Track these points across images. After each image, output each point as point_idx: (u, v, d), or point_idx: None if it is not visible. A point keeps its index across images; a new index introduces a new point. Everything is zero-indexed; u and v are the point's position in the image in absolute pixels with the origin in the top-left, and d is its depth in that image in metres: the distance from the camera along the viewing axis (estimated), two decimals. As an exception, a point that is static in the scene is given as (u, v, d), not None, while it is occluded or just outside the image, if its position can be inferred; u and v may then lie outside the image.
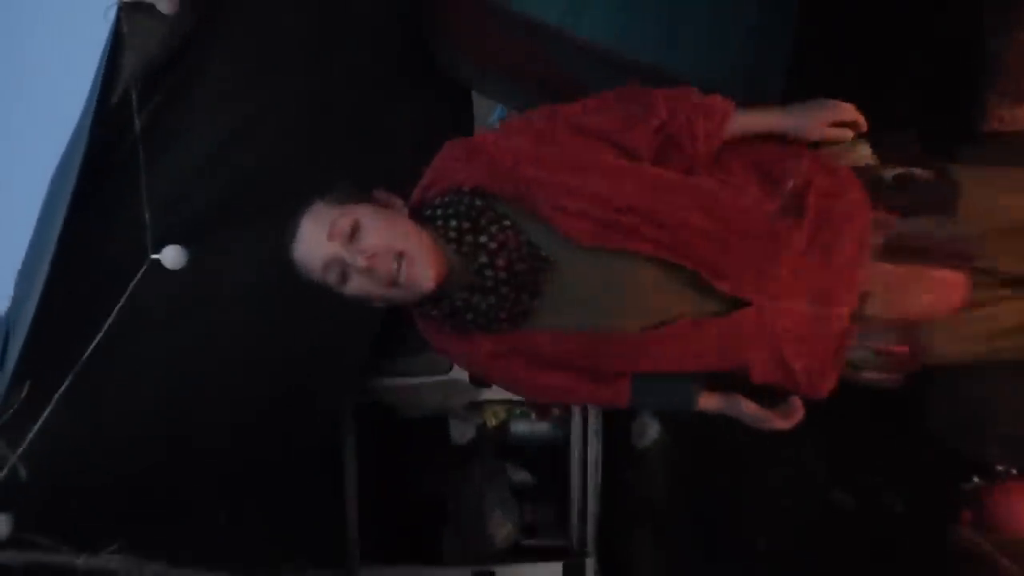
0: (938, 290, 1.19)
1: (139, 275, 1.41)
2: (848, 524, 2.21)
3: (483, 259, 1.12)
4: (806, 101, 1.23)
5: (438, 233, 1.14)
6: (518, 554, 3.08)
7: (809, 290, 1.14)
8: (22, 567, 1.32)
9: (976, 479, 1.77)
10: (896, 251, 1.17)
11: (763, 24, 2.12)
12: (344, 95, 2.03)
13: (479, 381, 3.03)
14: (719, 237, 1.12)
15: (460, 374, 2.99)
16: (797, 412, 1.26)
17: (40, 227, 1.54)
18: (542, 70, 2.09)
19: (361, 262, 1.08)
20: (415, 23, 2.21)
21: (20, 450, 1.32)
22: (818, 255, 1.14)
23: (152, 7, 1.49)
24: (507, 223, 1.13)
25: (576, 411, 3.06)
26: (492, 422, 3.19)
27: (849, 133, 1.21)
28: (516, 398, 3.10)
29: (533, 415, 3.19)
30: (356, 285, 1.12)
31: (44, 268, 1.39)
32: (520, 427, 3.21)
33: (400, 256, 1.09)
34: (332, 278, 1.13)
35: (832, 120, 1.20)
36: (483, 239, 1.12)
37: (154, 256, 1.42)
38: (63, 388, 1.33)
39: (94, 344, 1.37)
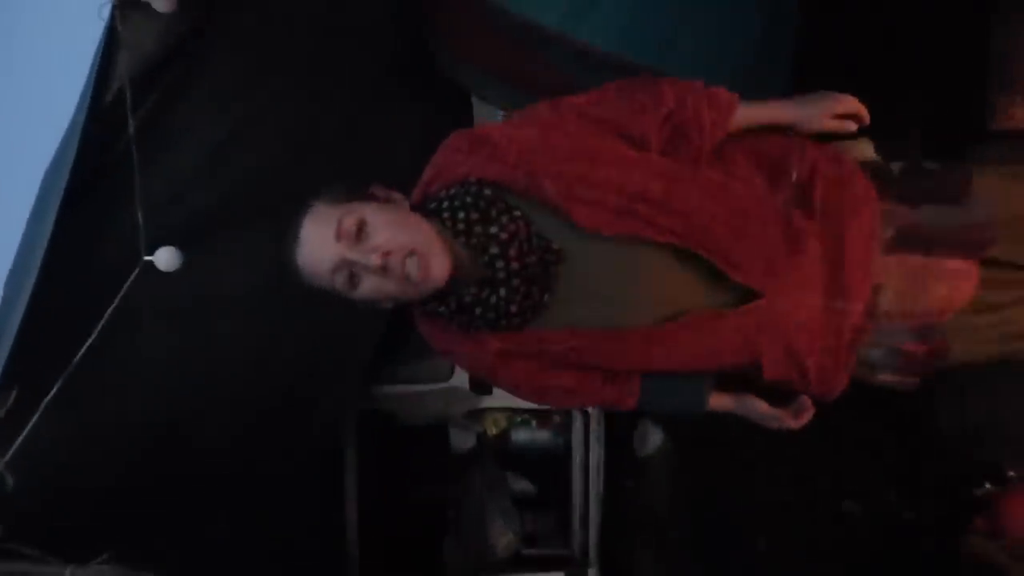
0: (951, 282, 1.18)
1: (132, 277, 1.38)
2: (855, 532, 2.18)
3: (494, 250, 1.09)
4: (810, 93, 1.22)
5: (445, 226, 1.10)
6: (519, 564, 3.06)
7: (823, 283, 1.12)
8: (9, 578, 1.29)
9: (988, 485, 1.74)
10: (907, 243, 1.16)
11: (765, 27, 2.12)
12: (343, 97, 2.02)
13: (480, 388, 3.02)
14: (733, 226, 1.10)
15: (461, 381, 2.98)
16: (807, 411, 1.24)
17: (31, 227, 1.51)
18: (542, 74, 2.08)
19: (375, 261, 1.04)
20: (415, 25, 2.19)
21: (6, 458, 1.29)
22: (830, 247, 1.13)
23: (148, 5, 1.47)
24: (517, 214, 1.10)
25: (577, 417, 3.05)
26: (493, 430, 3.18)
27: (853, 125, 1.20)
28: (517, 406, 3.10)
29: (534, 423, 3.18)
30: (368, 287, 1.08)
31: (34, 270, 1.37)
32: (521, 435, 3.20)
33: (412, 252, 1.05)
34: (341, 282, 1.08)
35: (836, 112, 1.19)
36: (493, 230, 1.09)
37: (147, 258, 1.39)
38: (52, 394, 1.30)
39: (84, 348, 1.33)
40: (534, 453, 3.19)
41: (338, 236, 1.06)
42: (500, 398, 3.03)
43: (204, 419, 1.86)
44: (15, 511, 1.33)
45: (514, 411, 3.13)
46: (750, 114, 1.19)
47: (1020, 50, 1.50)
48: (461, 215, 1.10)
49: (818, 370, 1.17)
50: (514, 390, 1.27)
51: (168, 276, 1.48)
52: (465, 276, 1.10)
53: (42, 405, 1.28)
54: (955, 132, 1.24)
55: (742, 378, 1.24)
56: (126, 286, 1.37)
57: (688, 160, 1.15)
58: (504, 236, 1.08)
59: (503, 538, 2.99)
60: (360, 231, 1.06)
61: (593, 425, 3.00)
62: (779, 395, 1.26)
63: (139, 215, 1.43)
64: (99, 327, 1.34)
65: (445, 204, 1.12)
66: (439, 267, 1.06)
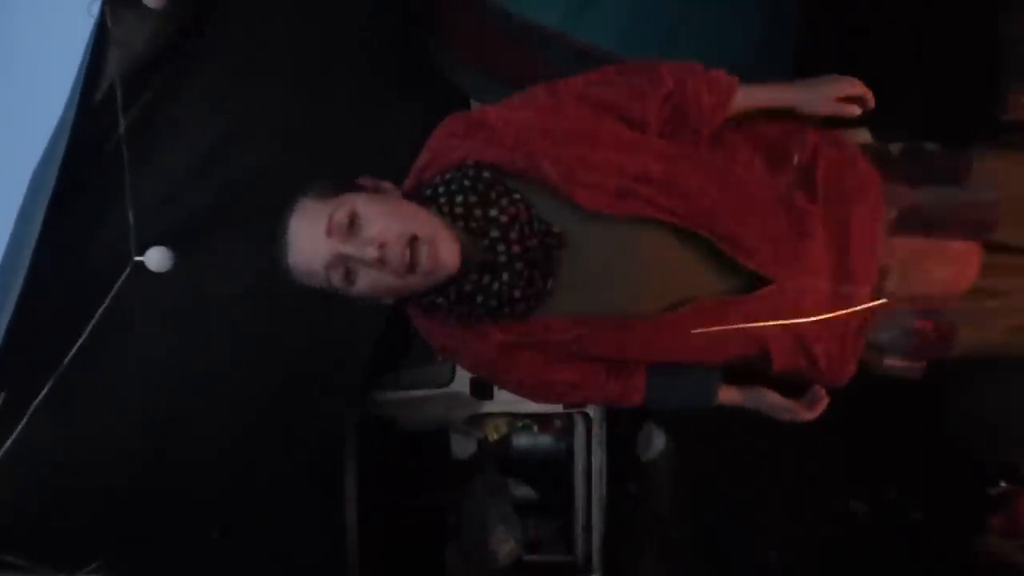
0: (954, 264, 1.16)
1: (122, 278, 1.35)
2: (864, 535, 2.15)
3: (494, 233, 1.04)
4: (812, 77, 1.19)
5: (442, 212, 1.06)
6: (521, 571, 3.04)
7: (829, 267, 1.10)
8: (-4, 588, 1.25)
9: (1004, 483, 1.71)
10: (908, 224, 1.14)
11: (765, 26, 2.10)
12: (339, 97, 2.00)
13: (481, 393, 3.00)
14: (736, 210, 1.08)
15: (462, 386, 2.96)
16: (821, 401, 1.21)
17: (19, 227, 1.48)
18: (542, 74, 2.06)
19: (372, 253, 0.99)
20: (414, 27, 2.18)
21: (-7, 463, 1.25)
22: (835, 230, 1.10)
23: (138, 2, 1.44)
24: (517, 197, 1.06)
25: (579, 421, 3.03)
26: (494, 436, 3.15)
27: (856, 109, 1.16)
28: (518, 410, 3.08)
29: (535, 428, 3.16)
30: (366, 282, 1.03)
31: (22, 270, 1.34)
32: (522, 440, 3.18)
33: (414, 239, 1.00)
34: (337, 279, 1.03)
35: (839, 95, 1.16)
36: (493, 212, 1.04)
37: (138, 258, 1.36)
38: (40, 398, 1.26)
39: (74, 350, 1.30)
40: (535, 458, 3.16)
41: (329, 231, 1.01)
42: (501, 403, 3.01)
43: (199, 423, 1.83)
44: (2, 519, 1.30)
45: (515, 416, 3.11)
46: (750, 97, 1.16)
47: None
48: (459, 199, 1.06)
49: (827, 358, 1.14)
50: (516, 387, 1.23)
51: (161, 277, 1.46)
52: (467, 262, 1.05)
53: (30, 409, 1.25)
54: (965, 123, 1.21)
55: (749, 372, 1.21)
56: (116, 286, 1.34)
57: (688, 143, 1.12)
58: (504, 219, 1.04)
59: (505, 545, 2.96)
60: (352, 224, 1.01)
61: (595, 429, 2.98)
62: (790, 388, 1.22)
63: (130, 215, 1.41)
64: (89, 328, 1.31)
65: (441, 189, 1.08)
66: (449, 252, 1.02)
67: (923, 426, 1.85)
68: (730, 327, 1.09)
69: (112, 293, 1.34)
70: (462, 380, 2.95)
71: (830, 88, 1.16)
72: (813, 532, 2.31)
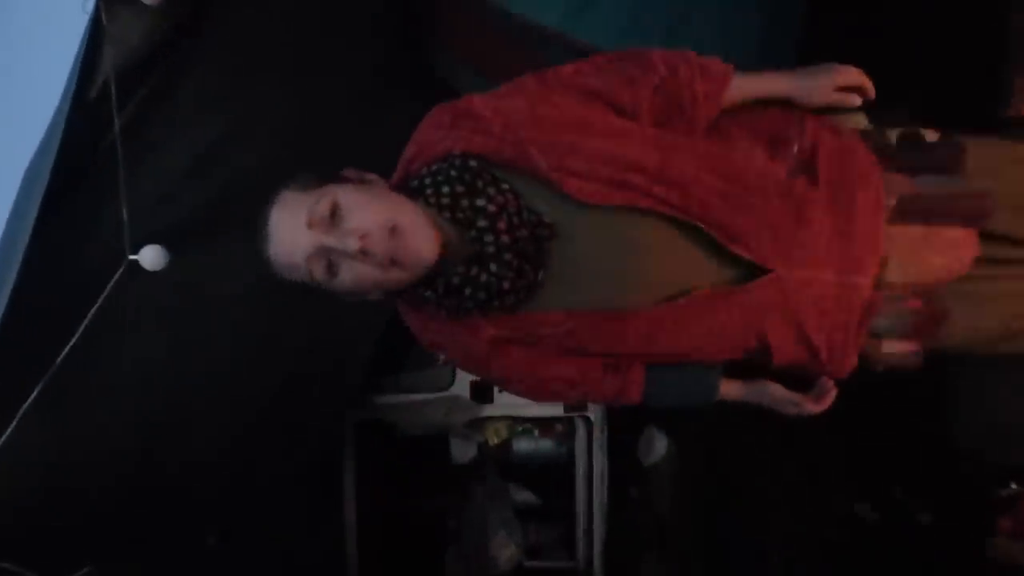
0: (950, 251, 1.14)
1: (116, 276, 1.33)
2: (871, 539, 2.12)
3: (481, 223, 1.02)
4: (811, 65, 1.16)
5: (429, 203, 1.04)
6: (522, 576, 3.00)
7: (834, 257, 1.08)
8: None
9: (1014, 485, 1.68)
10: (907, 212, 1.11)
11: (767, 26, 2.09)
12: (336, 97, 1.99)
13: (481, 397, 2.98)
14: (734, 197, 1.05)
15: (462, 390, 2.94)
16: (829, 394, 1.18)
17: (12, 224, 1.46)
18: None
19: (353, 244, 0.96)
20: (409, 26, 2.17)
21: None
22: (838, 218, 1.08)
23: (133, -2, 1.43)
24: (505, 186, 1.04)
25: (580, 426, 3.01)
26: (494, 440, 3.13)
27: (857, 98, 1.14)
28: (518, 415, 3.06)
29: (536, 432, 3.14)
30: (349, 275, 1.00)
31: (15, 267, 1.32)
32: (523, 445, 3.17)
33: (395, 228, 0.98)
34: (319, 272, 1.00)
35: (839, 84, 1.14)
36: (480, 202, 1.02)
37: (132, 257, 1.34)
38: (31, 399, 1.24)
39: (67, 350, 1.28)
40: (536, 463, 3.15)
41: (310, 223, 0.98)
42: (501, 407, 2.99)
43: (195, 426, 1.81)
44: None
45: (516, 420, 3.09)
46: (746, 86, 1.13)
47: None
48: (445, 189, 1.03)
49: (829, 348, 1.11)
50: (510, 384, 1.21)
51: (158, 277, 1.44)
52: (453, 254, 1.03)
53: (20, 411, 1.23)
54: (969, 118, 1.19)
55: (751, 367, 1.18)
56: (110, 285, 1.32)
57: (682, 132, 1.10)
58: (492, 208, 1.02)
59: (505, 550, 2.95)
60: (334, 215, 0.98)
61: (596, 433, 2.96)
62: (795, 382, 1.19)
63: (124, 213, 1.39)
64: (82, 327, 1.29)
65: (428, 180, 1.06)
66: (426, 241, 0.99)
67: (930, 427, 1.83)
68: (729, 319, 1.07)
69: (105, 292, 1.32)
70: (462, 384, 2.94)
71: (829, 77, 1.13)
72: (818, 536, 2.28)
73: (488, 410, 2.99)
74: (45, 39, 1.52)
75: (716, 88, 1.11)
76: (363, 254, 0.97)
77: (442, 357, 2.93)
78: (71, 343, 1.29)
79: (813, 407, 1.19)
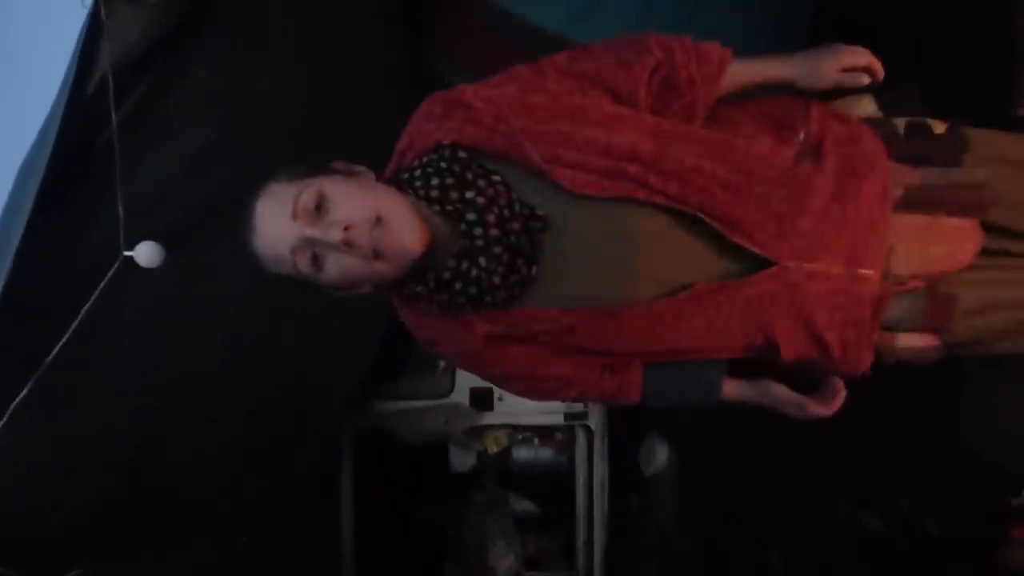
0: (952, 241, 1.11)
1: (111, 273, 1.30)
2: (877, 550, 2.09)
3: (471, 216, 1.00)
4: (814, 47, 1.13)
5: (419, 196, 1.02)
6: (522, 586, 2.98)
7: (840, 248, 1.04)
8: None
9: (1027, 494, 1.65)
10: (912, 202, 1.09)
11: (774, 27, 2.08)
12: (339, 96, 1.98)
13: (481, 404, 2.95)
14: (736, 185, 1.02)
15: (461, 397, 2.92)
16: (839, 395, 1.14)
17: (6, 218, 1.45)
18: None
19: (337, 236, 0.94)
20: (410, 29, 2.17)
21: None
22: (845, 207, 1.05)
23: (132, -7, 1.42)
24: (496, 178, 1.02)
25: (580, 434, 2.99)
26: (493, 448, 3.10)
27: (864, 78, 1.11)
28: (518, 423, 3.04)
29: (536, 440, 3.11)
30: (334, 269, 0.98)
31: (7, 264, 1.30)
32: (522, 453, 3.14)
33: (379, 219, 0.96)
34: (303, 264, 0.98)
35: (845, 66, 1.10)
36: (470, 194, 1.00)
37: (127, 253, 1.32)
38: (21, 397, 1.22)
39: (57, 348, 1.26)
40: (536, 472, 3.12)
41: (295, 214, 0.96)
42: (501, 415, 2.97)
43: (191, 428, 1.79)
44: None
45: (515, 428, 3.06)
46: (746, 71, 1.11)
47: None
48: (435, 181, 1.01)
49: (842, 344, 1.08)
50: (507, 382, 1.18)
51: (154, 277, 1.42)
52: (443, 248, 1.01)
53: (10, 409, 1.20)
54: (977, 117, 1.18)
55: (757, 366, 1.15)
56: (104, 281, 1.30)
57: (681, 118, 1.07)
58: (482, 201, 1.00)
59: (504, 560, 2.92)
60: (319, 206, 0.96)
61: (597, 442, 2.93)
62: (801, 384, 1.16)
63: (120, 209, 1.37)
64: (73, 325, 1.27)
65: (418, 172, 1.03)
66: (411, 233, 0.97)
67: (937, 434, 1.80)
68: (731, 314, 1.04)
69: (99, 288, 1.30)
70: (462, 391, 2.91)
71: (834, 59, 1.10)
72: (822, 546, 2.25)
73: (488, 418, 2.96)
74: (43, 33, 1.51)
75: (713, 70, 1.08)
76: (347, 245, 0.95)
77: (442, 364, 2.93)
78: (63, 340, 1.27)
79: (820, 410, 1.15)
